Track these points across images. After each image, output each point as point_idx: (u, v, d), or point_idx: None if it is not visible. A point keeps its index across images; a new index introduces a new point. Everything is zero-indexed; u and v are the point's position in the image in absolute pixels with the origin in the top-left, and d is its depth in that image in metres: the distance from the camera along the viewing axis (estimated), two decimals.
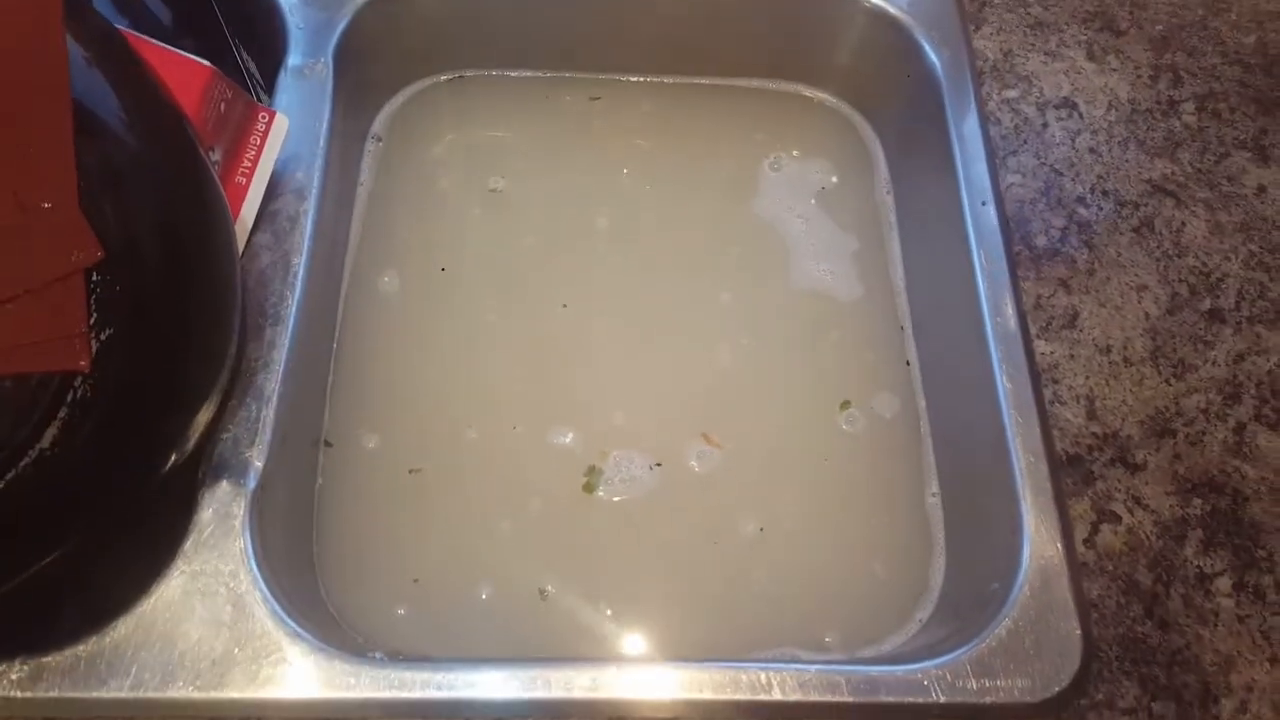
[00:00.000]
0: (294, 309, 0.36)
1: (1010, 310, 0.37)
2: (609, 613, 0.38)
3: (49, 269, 0.24)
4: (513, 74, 0.51)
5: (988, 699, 0.30)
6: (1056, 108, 0.43)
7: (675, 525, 0.40)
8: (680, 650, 0.37)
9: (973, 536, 0.38)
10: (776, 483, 0.41)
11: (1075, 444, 0.35)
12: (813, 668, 0.30)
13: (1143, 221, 0.40)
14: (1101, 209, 0.41)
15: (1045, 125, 0.43)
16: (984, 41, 0.45)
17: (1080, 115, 0.43)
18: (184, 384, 0.29)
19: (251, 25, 0.42)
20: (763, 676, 0.30)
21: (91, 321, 0.25)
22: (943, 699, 0.30)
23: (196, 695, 0.29)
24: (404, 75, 0.50)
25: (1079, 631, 0.31)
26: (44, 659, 0.29)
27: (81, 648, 0.29)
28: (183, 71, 0.33)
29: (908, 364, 0.44)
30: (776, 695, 0.30)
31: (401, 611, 0.37)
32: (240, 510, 0.31)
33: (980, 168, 0.41)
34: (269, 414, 0.33)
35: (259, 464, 0.32)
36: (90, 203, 0.25)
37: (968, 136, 0.42)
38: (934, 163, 0.43)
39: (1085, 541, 0.33)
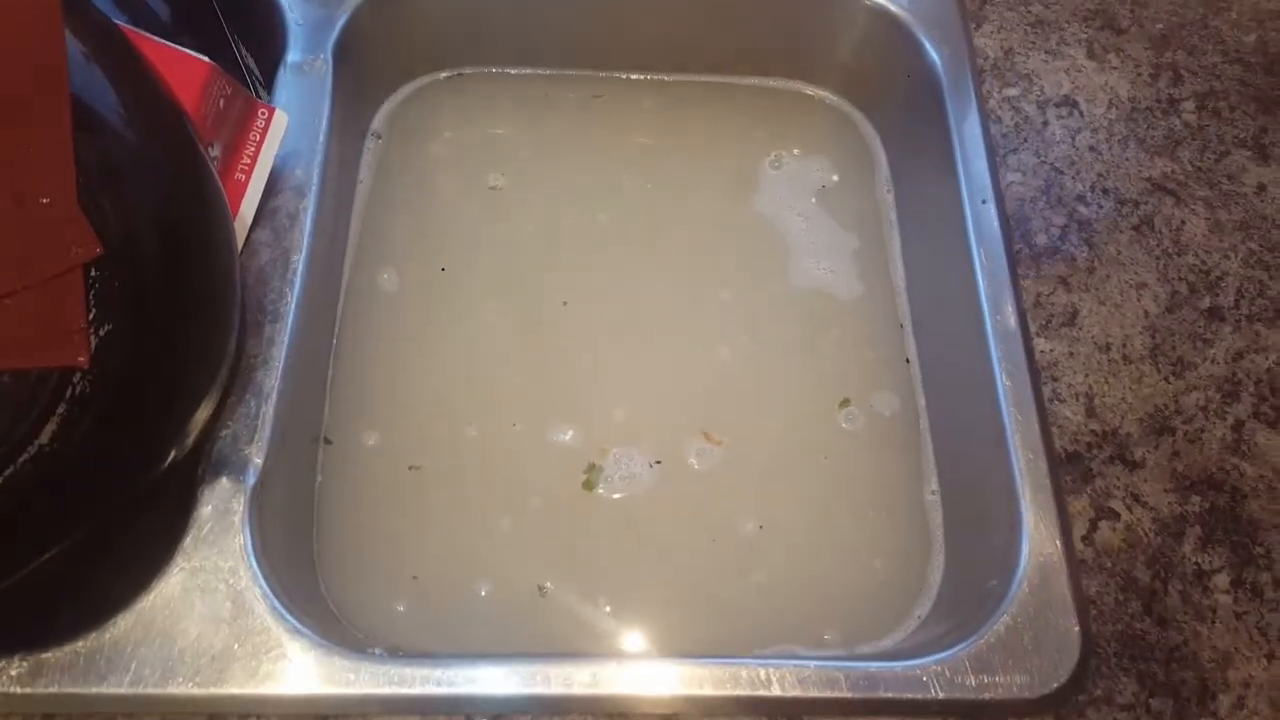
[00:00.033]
0: (293, 306, 0.36)
1: (1010, 308, 0.37)
2: (608, 610, 0.38)
3: (48, 265, 0.24)
4: (512, 71, 0.51)
5: (986, 695, 0.30)
6: (1057, 106, 0.43)
7: (675, 523, 0.40)
8: (679, 648, 0.37)
9: (972, 534, 0.38)
10: (776, 480, 0.41)
11: (1074, 441, 0.35)
12: (812, 664, 0.30)
13: (1143, 220, 0.40)
14: (1101, 207, 0.41)
15: (1046, 123, 0.43)
16: (985, 39, 0.45)
17: (1080, 113, 0.43)
18: (183, 380, 0.29)
19: (250, 22, 0.42)
20: (762, 672, 0.30)
21: (90, 317, 0.25)
22: (941, 695, 0.30)
23: (196, 691, 0.29)
24: (403, 72, 0.50)
25: (1077, 628, 0.31)
26: (44, 655, 0.29)
27: (81, 644, 0.29)
28: (182, 67, 0.33)
29: (907, 362, 0.44)
30: (776, 691, 0.30)
31: (401, 608, 0.37)
32: (240, 507, 0.31)
33: (980, 166, 0.41)
34: (268, 411, 0.33)
35: (258, 461, 0.32)
36: (89, 198, 0.25)
37: (968, 135, 0.42)
38: (934, 161, 0.43)
39: (1084, 538, 0.33)
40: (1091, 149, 0.42)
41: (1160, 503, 0.34)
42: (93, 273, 0.25)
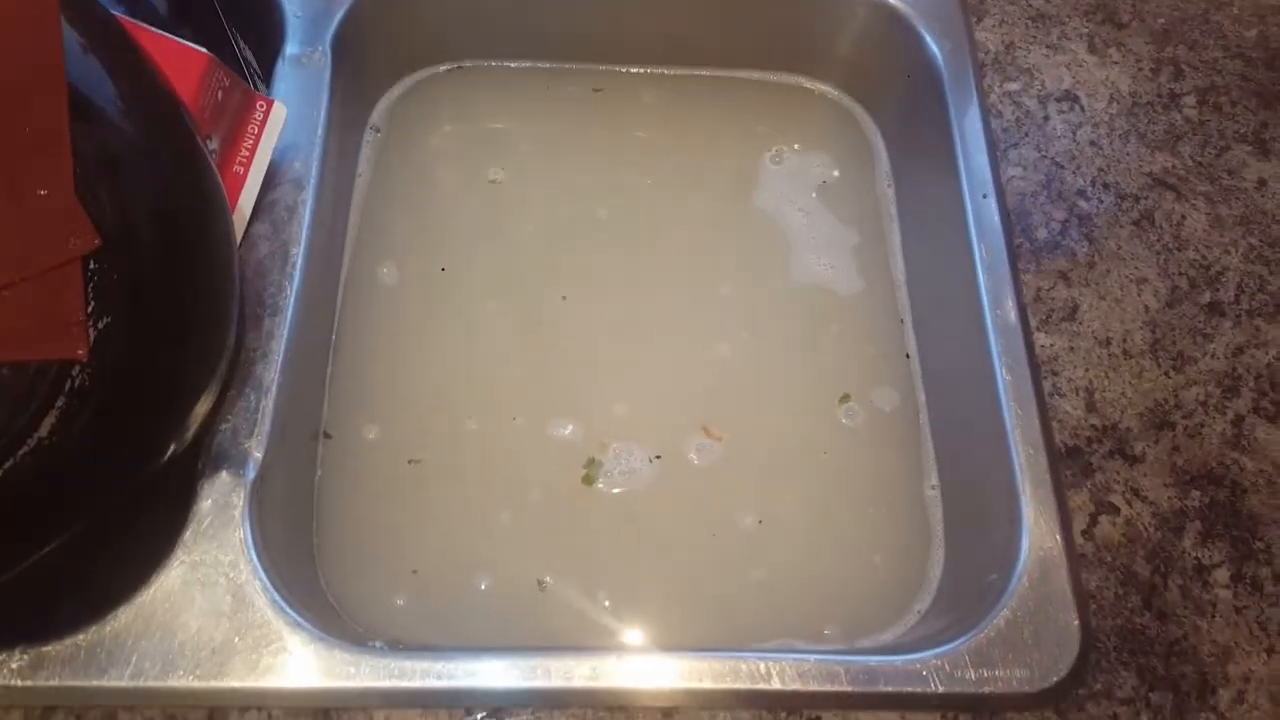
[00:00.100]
0: (292, 299, 0.35)
1: (1010, 303, 0.37)
2: (607, 604, 0.38)
3: (46, 257, 0.24)
4: (512, 65, 0.50)
5: (986, 689, 0.30)
6: (1058, 100, 0.43)
7: (674, 518, 0.40)
8: (678, 643, 0.37)
9: (972, 528, 0.38)
10: (776, 476, 0.41)
11: (1074, 436, 0.35)
12: (812, 657, 0.30)
13: (1143, 215, 0.40)
14: (1102, 202, 0.41)
15: (1046, 118, 0.43)
16: (985, 34, 0.45)
17: (1081, 108, 0.43)
18: (182, 373, 0.28)
19: (249, 14, 0.42)
20: (762, 666, 0.30)
21: (89, 310, 0.24)
22: (941, 689, 0.30)
23: (197, 684, 0.29)
24: (403, 65, 0.50)
25: (1077, 622, 0.31)
26: (44, 648, 0.28)
27: (82, 637, 0.29)
28: (180, 59, 0.33)
29: (907, 357, 0.44)
30: (776, 685, 0.30)
31: (400, 602, 0.37)
32: (240, 501, 0.31)
33: (981, 160, 0.41)
34: (268, 404, 0.33)
35: (258, 455, 0.32)
36: (87, 190, 0.25)
37: (969, 129, 0.42)
38: (935, 155, 0.43)
39: (1084, 533, 0.33)
40: (1092, 144, 0.42)
41: (1160, 497, 0.34)
42: (91, 265, 0.25)
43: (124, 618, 0.29)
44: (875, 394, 0.43)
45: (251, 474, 0.32)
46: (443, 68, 0.50)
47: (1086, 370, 0.37)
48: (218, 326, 0.30)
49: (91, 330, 0.24)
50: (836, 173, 0.49)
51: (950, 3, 0.45)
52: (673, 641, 0.37)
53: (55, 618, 0.29)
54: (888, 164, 0.49)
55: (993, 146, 0.42)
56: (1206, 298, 0.39)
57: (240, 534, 0.31)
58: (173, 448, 0.29)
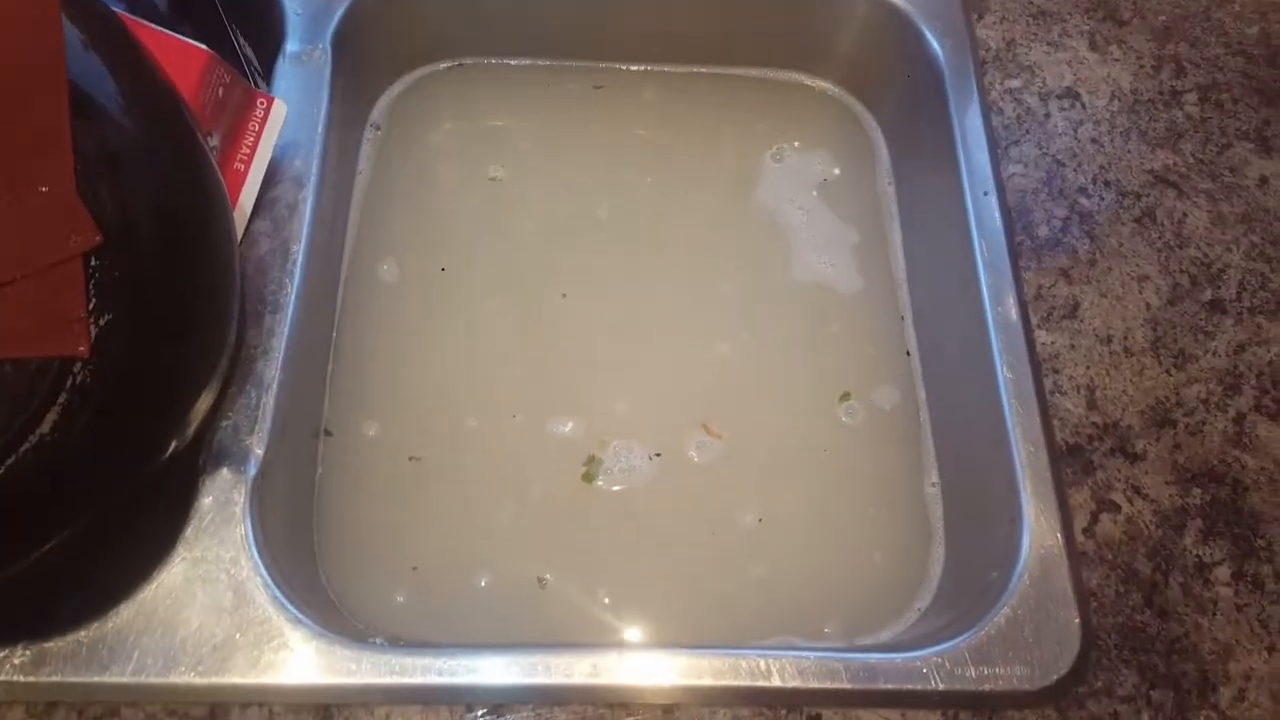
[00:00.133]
0: (293, 296, 0.35)
1: (1011, 300, 0.37)
2: (607, 602, 0.38)
3: (47, 253, 0.24)
4: (513, 62, 0.50)
5: (987, 686, 0.30)
6: (1059, 98, 0.43)
7: (674, 516, 0.40)
8: (678, 640, 0.37)
9: (972, 526, 0.38)
10: (776, 474, 0.41)
11: (1075, 434, 0.35)
12: (812, 655, 0.31)
13: (1144, 212, 0.40)
14: (1103, 199, 0.40)
15: (1048, 115, 0.43)
16: (986, 31, 0.45)
17: (1083, 105, 0.43)
18: (183, 370, 0.28)
19: (249, 11, 0.42)
20: (762, 663, 0.30)
21: (90, 306, 0.25)
22: (941, 686, 0.30)
23: (198, 680, 0.29)
24: (403, 62, 0.50)
25: (1078, 620, 0.31)
26: (46, 644, 0.29)
27: (83, 633, 0.29)
28: (180, 56, 0.33)
29: (908, 354, 0.44)
30: (776, 682, 0.30)
31: (401, 599, 0.37)
32: (241, 497, 0.31)
33: (982, 157, 0.41)
34: (269, 401, 0.33)
35: (259, 451, 0.32)
36: (88, 187, 0.25)
37: (970, 126, 0.42)
38: (936, 153, 0.43)
39: (1085, 531, 0.33)
40: (1093, 141, 0.42)
41: (1161, 495, 0.34)
42: (92, 262, 0.25)
43: (126, 614, 0.29)
44: (876, 392, 0.43)
45: (252, 471, 0.32)
46: (443, 65, 0.50)
47: (1087, 368, 0.37)
48: (219, 323, 0.30)
49: (93, 327, 0.25)
50: (837, 170, 0.49)
51: (951, 0, 0.45)
52: (673, 639, 0.37)
53: (57, 614, 0.29)
54: (888, 162, 0.49)
55: (993, 144, 0.41)
56: (1208, 295, 0.38)
57: (241, 530, 0.31)
58: (174, 444, 0.29)
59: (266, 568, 0.31)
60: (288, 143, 0.38)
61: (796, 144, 0.49)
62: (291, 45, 0.42)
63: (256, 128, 0.36)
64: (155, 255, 0.26)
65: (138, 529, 0.31)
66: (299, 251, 0.36)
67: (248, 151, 0.36)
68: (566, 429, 0.41)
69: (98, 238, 0.24)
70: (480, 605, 0.37)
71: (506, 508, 0.39)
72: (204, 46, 0.34)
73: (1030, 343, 0.37)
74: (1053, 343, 0.37)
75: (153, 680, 0.29)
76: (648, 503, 0.40)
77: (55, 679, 0.28)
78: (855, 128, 0.50)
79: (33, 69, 0.25)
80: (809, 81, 0.51)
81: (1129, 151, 0.42)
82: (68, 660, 0.28)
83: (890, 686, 0.30)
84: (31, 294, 0.24)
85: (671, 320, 0.44)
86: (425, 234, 0.46)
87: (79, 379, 0.24)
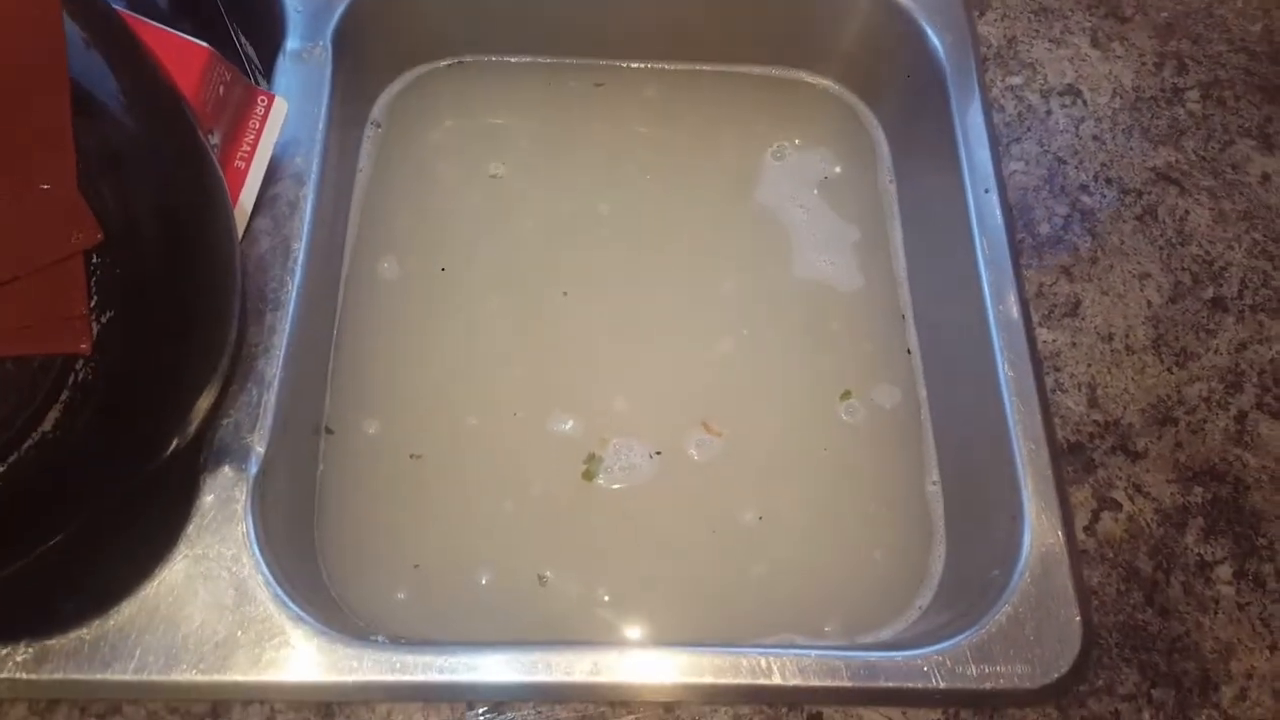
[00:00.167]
0: (294, 294, 0.36)
1: (1012, 298, 0.37)
2: (607, 600, 0.38)
3: (49, 251, 0.24)
4: (513, 60, 0.50)
5: (988, 685, 0.30)
6: (1060, 95, 0.43)
7: (675, 514, 0.40)
8: (678, 638, 0.37)
9: (973, 524, 0.38)
10: (776, 472, 0.41)
11: (1076, 432, 0.35)
12: (813, 653, 0.31)
13: (1146, 209, 0.40)
14: (1105, 197, 0.40)
15: (1049, 112, 0.43)
16: (988, 28, 0.45)
17: (1084, 102, 0.43)
18: (185, 368, 0.29)
19: (249, 8, 0.42)
20: (763, 661, 0.30)
21: (92, 304, 0.25)
22: (942, 684, 0.30)
23: (200, 678, 0.29)
24: (403, 60, 0.49)
25: (1079, 618, 0.31)
26: (48, 642, 0.29)
27: (85, 631, 0.29)
28: (181, 53, 0.33)
29: (909, 353, 0.44)
30: (777, 680, 0.30)
31: (401, 596, 0.37)
32: (242, 495, 0.31)
33: (983, 155, 0.41)
34: (270, 399, 0.33)
35: (260, 449, 0.32)
36: (89, 185, 0.25)
37: (971, 124, 0.42)
38: (937, 150, 0.43)
39: (1086, 529, 0.33)
40: (1095, 138, 0.42)
41: (1163, 493, 0.34)
42: (94, 259, 0.25)
43: (127, 611, 0.29)
44: (876, 390, 0.43)
45: (254, 468, 0.32)
46: (443, 63, 0.50)
47: (1089, 366, 0.37)
48: (220, 321, 0.30)
49: (95, 325, 0.25)
50: (838, 168, 0.49)
51: None
52: (673, 637, 0.37)
53: (59, 612, 0.29)
54: (889, 159, 0.49)
55: (995, 141, 0.41)
56: (1210, 293, 0.38)
57: (243, 528, 0.31)
58: (175, 442, 0.29)
59: (268, 565, 0.31)
60: (288, 140, 0.38)
61: (797, 142, 0.49)
62: (292, 43, 0.42)
63: (257, 125, 0.36)
64: (157, 253, 0.27)
65: (139, 526, 0.31)
66: (300, 249, 0.36)
67: (248, 149, 0.36)
68: (567, 427, 0.41)
69: (99, 235, 0.24)
70: (481, 603, 0.37)
71: (507, 506, 0.39)
72: (205, 44, 0.34)
73: (1031, 340, 0.37)
74: (1054, 340, 0.37)
75: (154, 678, 0.29)
76: (648, 501, 0.40)
77: (57, 676, 0.28)
78: (856, 125, 0.50)
79: (34, 67, 0.25)
80: (810, 79, 0.51)
81: (1131, 149, 0.42)
82: (70, 658, 0.29)
83: (891, 685, 0.30)
84: (34, 291, 0.24)
85: (672, 318, 0.44)
86: (426, 232, 0.46)
87: (81, 376, 0.25)
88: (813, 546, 0.39)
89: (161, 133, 0.28)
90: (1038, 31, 0.45)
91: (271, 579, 0.30)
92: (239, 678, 0.29)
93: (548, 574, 0.38)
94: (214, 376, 0.30)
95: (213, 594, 0.30)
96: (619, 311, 0.44)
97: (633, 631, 0.37)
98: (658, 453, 0.41)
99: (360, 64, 0.45)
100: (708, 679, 0.30)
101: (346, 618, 0.36)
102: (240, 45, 0.41)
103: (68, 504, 0.26)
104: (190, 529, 0.31)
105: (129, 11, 0.32)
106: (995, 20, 0.45)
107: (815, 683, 0.30)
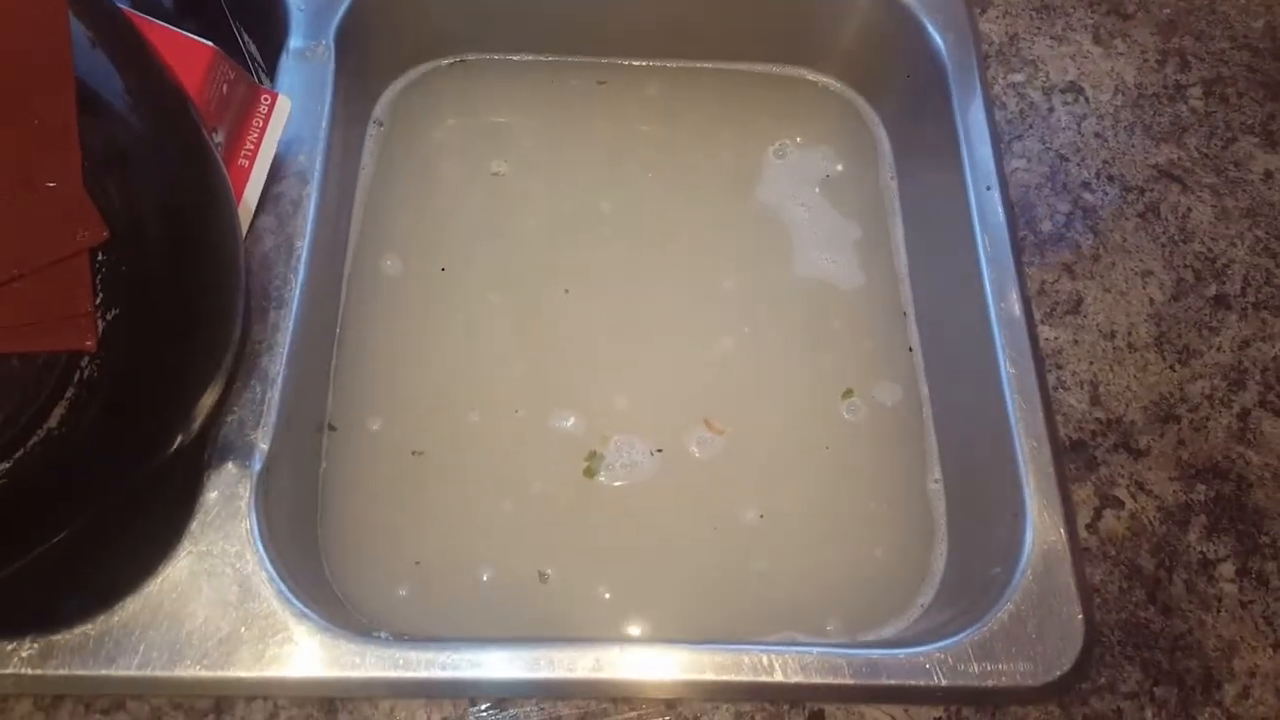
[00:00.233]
0: (297, 292, 0.36)
1: (1014, 295, 0.37)
2: (608, 597, 0.38)
3: (54, 248, 0.24)
4: (515, 58, 0.50)
5: (989, 682, 0.30)
6: (1062, 92, 0.43)
7: (676, 511, 0.40)
8: (679, 635, 0.37)
9: (975, 522, 0.38)
10: (778, 470, 0.41)
11: (1078, 429, 0.35)
12: (815, 650, 0.31)
13: (1148, 207, 0.40)
14: (1107, 194, 0.40)
15: (1051, 110, 0.42)
16: (989, 25, 0.45)
17: (1086, 100, 0.43)
18: (189, 365, 0.29)
19: (253, 7, 0.42)
20: (765, 658, 0.30)
21: (97, 301, 0.25)
22: (944, 682, 0.30)
23: (204, 674, 0.29)
24: (406, 59, 0.50)
25: (1081, 616, 0.31)
26: (53, 637, 0.29)
27: (90, 627, 0.29)
28: (185, 52, 0.33)
29: (910, 351, 0.44)
30: (778, 677, 0.30)
31: (403, 593, 0.37)
32: (246, 492, 0.32)
33: (985, 152, 0.41)
34: (274, 396, 0.33)
35: (264, 446, 0.33)
36: (95, 183, 0.25)
37: (973, 121, 0.42)
38: (938, 148, 0.43)
39: (1088, 527, 0.33)
40: (1097, 135, 0.42)
41: (1165, 491, 0.34)
42: (99, 257, 0.25)
43: (132, 607, 0.29)
44: (878, 388, 0.43)
45: (257, 465, 0.32)
46: (446, 61, 0.50)
47: (1091, 363, 0.36)
48: (224, 319, 0.30)
49: (100, 322, 0.25)
50: (839, 166, 0.49)
51: None
52: (674, 634, 0.37)
53: (64, 608, 0.29)
54: (891, 157, 0.49)
55: (996, 139, 0.41)
56: (1212, 290, 0.38)
57: (246, 525, 0.31)
58: (179, 439, 0.29)
59: (271, 562, 0.31)
60: (291, 139, 0.38)
61: (799, 139, 0.49)
62: (295, 41, 0.42)
63: (261, 124, 0.36)
64: (162, 251, 0.27)
65: (144, 523, 0.31)
66: (303, 247, 0.37)
67: (252, 147, 0.36)
68: (568, 424, 0.41)
69: (105, 233, 0.25)
70: (482, 599, 0.37)
71: (508, 502, 0.39)
72: (209, 43, 0.34)
73: (1033, 338, 0.37)
74: (1056, 338, 0.37)
75: (158, 674, 0.29)
76: (649, 498, 0.40)
77: (62, 672, 0.29)
78: (857, 123, 0.50)
79: (41, 66, 0.25)
80: (811, 77, 0.51)
81: (1133, 146, 0.42)
82: (74, 653, 0.29)
83: (893, 682, 0.30)
84: (39, 289, 0.24)
85: (673, 316, 0.44)
86: (428, 230, 0.46)
87: (86, 373, 0.25)
88: (814, 544, 0.39)
89: (166, 131, 0.28)
90: (1039, 28, 0.45)
91: (275, 575, 0.30)
92: (242, 674, 0.29)
93: (549, 571, 0.38)
94: (218, 374, 0.30)
95: (216, 590, 0.30)
96: (620, 309, 0.44)
97: (634, 628, 0.37)
98: (659, 450, 0.41)
99: (363, 63, 0.45)
100: (709, 676, 0.30)
101: (349, 614, 0.36)
102: (244, 44, 0.41)
103: (73, 500, 0.26)
104: (194, 525, 0.31)
105: (134, 10, 0.33)
106: (997, 17, 0.45)
107: (817, 680, 0.30)
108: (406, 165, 0.47)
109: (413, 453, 0.40)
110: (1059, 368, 0.36)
